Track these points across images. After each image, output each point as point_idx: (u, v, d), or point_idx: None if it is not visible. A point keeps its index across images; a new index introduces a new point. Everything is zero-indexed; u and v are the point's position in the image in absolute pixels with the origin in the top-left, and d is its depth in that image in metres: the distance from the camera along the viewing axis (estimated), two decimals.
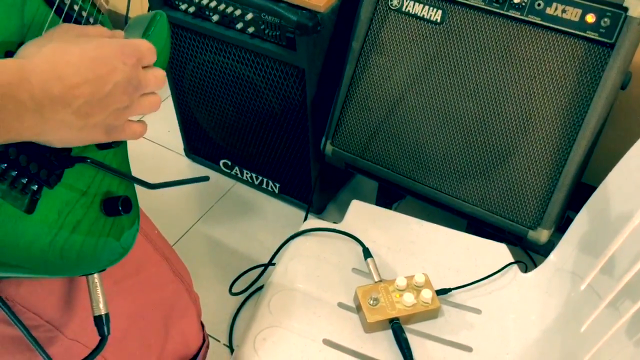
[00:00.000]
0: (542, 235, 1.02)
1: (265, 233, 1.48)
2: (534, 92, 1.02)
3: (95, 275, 0.56)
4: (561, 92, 1.00)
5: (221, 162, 1.57)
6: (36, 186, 0.46)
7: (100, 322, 0.56)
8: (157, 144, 1.73)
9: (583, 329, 0.71)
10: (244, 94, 1.33)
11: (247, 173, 1.54)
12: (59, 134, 0.42)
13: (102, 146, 0.53)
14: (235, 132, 1.45)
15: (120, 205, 0.54)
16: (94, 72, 0.41)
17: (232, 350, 1.26)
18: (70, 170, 0.50)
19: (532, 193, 1.03)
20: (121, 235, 0.56)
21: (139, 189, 0.59)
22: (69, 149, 0.50)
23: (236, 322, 1.31)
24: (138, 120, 0.50)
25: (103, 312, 0.56)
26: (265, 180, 1.52)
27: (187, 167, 1.66)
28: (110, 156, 0.56)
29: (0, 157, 0.43)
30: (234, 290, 1.34)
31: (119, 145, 0.55)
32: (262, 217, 1.52)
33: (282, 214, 1.52)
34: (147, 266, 0.69)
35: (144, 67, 0.46)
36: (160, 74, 0.48)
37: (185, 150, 1.65)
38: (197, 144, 1.59)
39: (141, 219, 0.68)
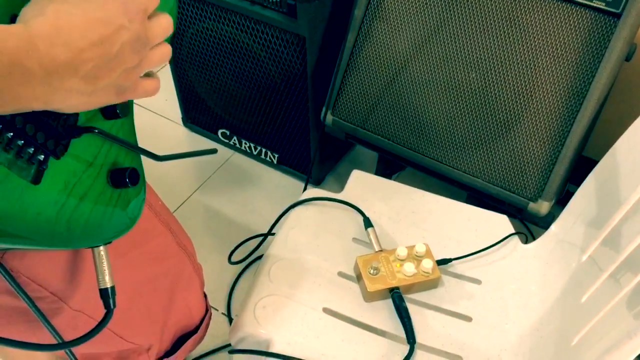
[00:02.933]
0: (543, 207, 1.01)
1: (264, 203, 1.48)
2: (538, 63, 1.01)
3: (101, 247, 0.55)
4: (565, 63, 0.99)
5: (219, 131, 1.55)
6: (43, 156, 0.45)
7: (106, 295, 0.55)
8: (154, 112, 1.72)
9: (583, 300, 0.71)
10: (244, 62, 1.31)
11: (245, 143, 1.53)
12: (68, 101, 0.40)
13: (109, 116, 0.52)
14: (234, 102, 1.44)
15: (127, 177, 0.53)
16: (100, 34, 0.39)
17: (230, 319, 1.27)
18: (77, 141, 0.49)
19: (534, 164, 1.03)
20: (127, 207, 0.55)
21: (143, 159, 0.58)
22: (76, 119, 0.49)
23: (234, 292, 1.31)
24: (150, 77, 0.47)
25: (109, 284, 0.55)
26: (264, 150, 1.51)
27: (185, 137, 1.65)
28: (117, 127, 0.55)
29: (6, 125, 0.42)
30: (233, 259, 1.34)
31: (127, 115, 0.53)
32: (260, 188, 1.52)
33: (281, 185, 1.52)
34: (152, 237, 0.69)
35: (149, 18, 0.44)
36: (166, 20, 0.45)
37: (183, 119, 1.63)
38: (195, 113, 1.58)
39: (147, 191, 0.68)
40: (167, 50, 0.46)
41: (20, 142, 0.43)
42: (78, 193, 0.49)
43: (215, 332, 1.24)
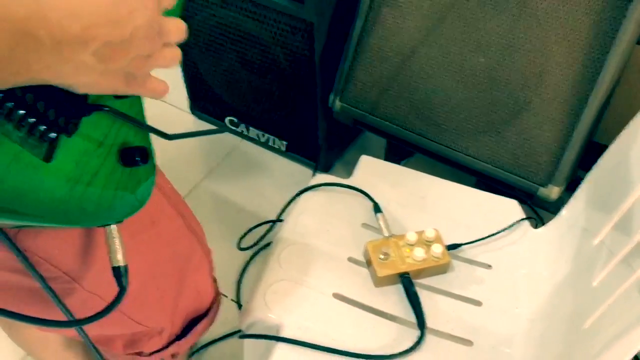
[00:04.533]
0: (553, 192, 1.01)
1: (272, 191, 1.48)
2: (549, 46, 1.00)
3: (113, 226, 0.55)
4: (577, 46, 0.98)
5: (227, 119, 1.55)
6: (54, 134, 0.45)
7: (119, 274, 0.55)
8: (161, 100, 1.72)
9: (595, 284, 0.71)
10: (251, 49, 1.31)
11: (253, 131, 1.53)
12: (79, 77, 0.40)
13: (118, 95, 0.52)
14: (241, 89, 1.43)
15: (137, 156, 0.53)
16: (112, 13, 0.39)
17: (239, 306, 1.27)
18: (87, 120, 0.49)
19: (544, 149, 1.02)
20: (138, 188, 0.55)
21: (154, 143, 0.58)
22: (86, 97, 0.49)
23: (243, 278, 1.32)
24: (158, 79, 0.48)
25: (122, 263, 0.56)
26: (271, 138, 1.51)
27: (192, 125, 1.65)
28: (126, 106, 0.55)
29: (17, 102, 0.42)
30: (242, 245, 1.34)
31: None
32: (268, 175, 1.52)
33: (289, 172, 1.52)
34: (162, 220, 0.69)
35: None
36: (181, 23, 0.46)
37: (190, 107, 1.63)
38: (202, 100, 1.58)
39: (156, 173, 0.68)
40: (178, 52, 0.47)
41: (32, 120, 0.43)
42: (89, 172, 0.49)
43: (225, 318, 1.24)
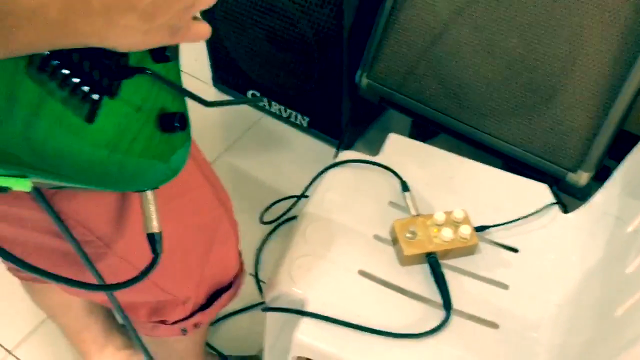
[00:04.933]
0: (582, 177, 0.99)
1: (292, 167, 1.47)
2: (585, 28, 0.97)
3: (149, 192, 0.55)
4: (614, 30, 0.96)
5: (249, 93, 1.54)
6: (97, 95, 0.45)
7: (154, 240, 0.55)
8: (184, 72, 1.70)
9: (628, 271, 0.70)
10: (277, 22, 1.29)
11: (275, 105, 1.51)
12: (124, 38, 0.40)
13: (158, 59, 0.51)
14: (265, 63, 1.42)
15: (176, 121, 0.52)
16: None
17: (257, 281, 1.28)
18: (127, 83, 0.49)
19: (575, 134, 1.01)
20: (174, 155, 0.54)
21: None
22: (127, 60, 0.48)
23: (262, 253, 1.32)
24: (200, 21, 0.47)
25: (157, 230, 0.55)
26: (294, 113, 1.50)
27: (214, 97, 1.63)
28: (165, 71, 0.54)
29: (63, 62, 0.42)
30: (265, 220, 1.34)
31: (175, 59, 0.53)
32: (290, 151, 1.51)
33: (310, 148, 1.51)
34: (193, 189, 0.68)
35: None
36: None
37: (213, 79, 1.62)
38: (225, 73, 1.56)
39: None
40: None
41: (76, 80, 0.43)
42: (128, 136, 0.49)
43: (243, 293, 1.24)
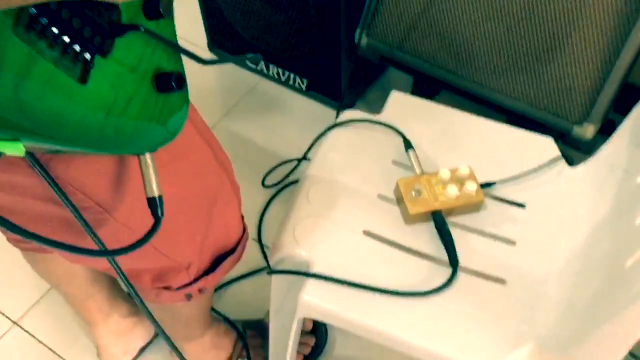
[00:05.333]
0: (588, 130, 0.98)
1: (293, 130, 1.45)
2: None
3: (147, 155, 0.54)
4: None
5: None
6: (89, 55, 0.43)
7: (154, 204, 0.54)
8: (179, 37, 1.67)
9: (638, 222, 0.68)
10: None
11: (273, 68, 1.49)
12: None
13: (151, 16, 0.49)
14: (261, 25, 1.38)
15: (173, 80, 0.51)
16: None
17: (261, 245, 1.27)
18: (121, 42, 0.47)
19: (580, 87, 0.98)
20: (171, 116, 0.53)
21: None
22: (119, 17, 0.46)
23: (264, 218, 1.31)
24: None
25: (157, 193, 0.54)
26: (292, 76, 1.47)
27: None
28: (159, 29, 0.52)
29: (52, 19, 0.40)
30: (266, 183, 1.33)
31: (169, 16, 0.51)
32: (289, 114, 1.49)
33: (310, 111, 1.49)
34: (192, 152, 0.67)
35: None
36: None
37: (208, 44, 1.59)
38: (220, 37, 1.53)
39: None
40: None
41: (66, 39, 0.41)
42: (124, 97, 0.47)
43: (246, 257, 1.24)
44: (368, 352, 1.13)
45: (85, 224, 0.51)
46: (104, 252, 0.52)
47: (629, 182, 0.75)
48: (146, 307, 0.61)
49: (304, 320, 1.09)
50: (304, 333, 1.09)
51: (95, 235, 0.52)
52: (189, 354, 1.00)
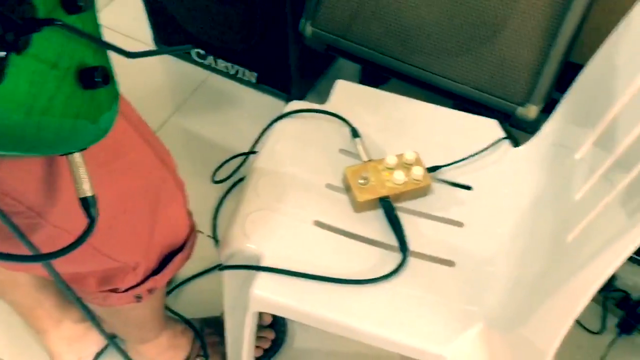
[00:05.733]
0: (531, 111, 0.99)
1: (244, 124, 1.44)
2: None
3: (76, 154, 0.52)
4: None
5: (193, 52, 1.48)
6: (3, 52, 0.41)
7: (87, 204, 0.52)
8: (122, 34, 1.63)
9: (577, 197, 0.70)
10: None
11: (222, 63, 1.47)
12: None
13: (70, 10, 0.47)
14: (206, 18, 1.36)
15: (97, 76, 0.49)
16: None
17: (216, 242, 1.26)
18: (39, 38, 0.45)
19: (522, 68, 1.00)
20: (100, 113, 0.51)
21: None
22: (34, 12, 0.44)
23: (219, 214, 1.29)
24: None
25: (89, 193, 0.52)
26: (241, 70, 1.45)
27: (158, 59, 1.57)
28: (80, 23, 0.50)
29: None
30: (216, 179, 1.31)
31: (90, 9, 0.49)
32: (240, 108, 1.47)
33: (261, 104, 1.47)
34: (129, 150, 0.65)
35: None
36: None
37: (154, 40, 1.55)
38: (166, 32, 1.50)
39: (121, 100, 0.63)
40: None
41: None
42: (45, 95, 0.45)
43: (202, 255, 1.22)
44: (329, 344, 1.13)
45: (14, 228, 0.49)
46: (35, 257, 0.50)
47: (568, 159, 0.76)
48: (88, 310, 0.59)
49: (263, 314, 1.08)
50: (263, 327, 1.09)
51: (24, 239, 0.50)
52: (146, 356, 0.98)
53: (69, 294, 0.58)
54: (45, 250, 0.53)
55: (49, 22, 0.45)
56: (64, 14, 0.47)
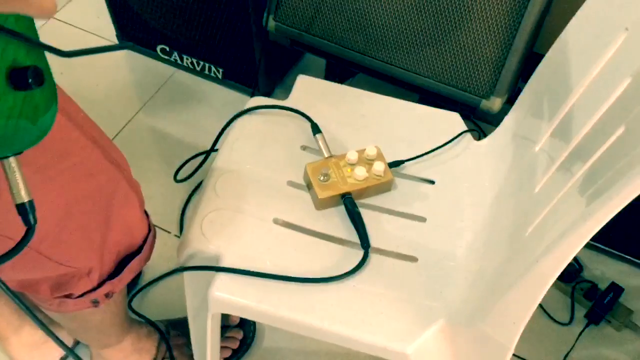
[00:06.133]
0: (496, 103, 0.99)
1: (211, 120, 1.41)
2: None
3: (11, 158, 0.49)
4: None
5: (158, 47, 1.46)
6: None
7: (24, 210, 0.50)
8: (86, 31, 1.60)
9: (537, 190, 0.69)
10: None
11: (187, 59, 1.44)
12: None
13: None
14: (170, 14, 1.34)
15: (29, 76, 0.46)
16: None
17: None
18: None
19: (485, 61, 0.99)
20: (36, 114, 0.49)
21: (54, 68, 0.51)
22: None
23: (186, 213, 1.27)
24: None
25: (25, 199, 0.50)
26: (207, 65, 1.43)
27: (123, 56, 1.54)
28: (11, 21, 0.48)
29: None
30: (179, 177, 1.29)
31: None
32: (206, 105, 1.45)
33: (228, 100, 1.45)
34: (75, 152, 0.63)
35: None
36: None
37: (118, 37, 1.52)
38: (130, 29, 1.47)
39: (64, 100, 0.61)
40: None
41: None
42: None
43: (170, 255, 1.21)
44: (298, 342, 1.12)
45: None
46: None
47: (529, 151, 0.76)
48: (38, 319, 0.57)
49: (229, 314, 1.07)
50: (231, 327, 1.07)
51: None
52: None
53: (17, 303, 0.56)
54: None
55: None
56: None
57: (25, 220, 0.50)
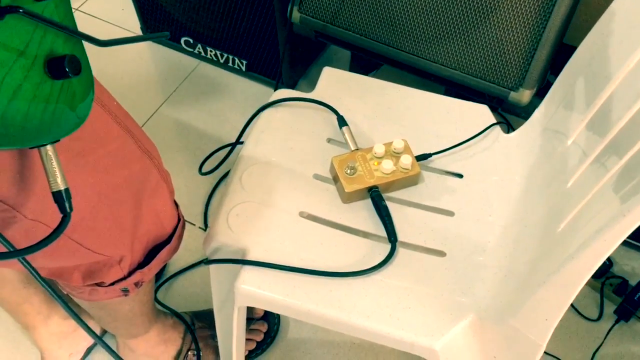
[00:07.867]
0: (524, 95, 0.97)
1: (235, 113, 1.41)
2: None
3: (49, 147, 0.50)
4: None
5: (182, 40, 1.46)
6: None
7: (60, 198, 0.51)
8: (111, 23, 1.60)
9: (569, 185, 0.68)
10: None
11: (211, 51, 1.44)
12: None
13: None
14: (195, 6, 1.34)
15: (66, 65, 0.47)
16: None
17: None
18: (3, 26, 0.43)
19: (514, 52, 0.98)
20: (73, 102, 0.49)
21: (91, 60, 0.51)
22: None
23: (210, 205, 1.28)
24: None
25: (62, 187, 0.51)
26: (231, 57, 1.43)
27: (147, 48, 1.55)
28: (50, 9, 0.48)
29: None
30: (204, 170, 1.29)
31: None
32: (230, 97, 1.45)
33: (251, 93, 1.45)
34: (109, 140, 0.63)
35: None
36: None
37: (142, 29, 1.53)
38: (155, 21, 1.47)
39: (99, 90, 0.61)
40: None
41: None
42: (11, 86, 0.43)
43: (194, 247, 1.21)
44: (322, 334, 1.12)
45: None
46: (8, 253, 0.48)
47: (561, 144, 0.74)
48: (70, 307, 0.58)
49: (254, 307, 1.07)
50: (255, 320, 1.07)
51: (1, 236, 0.49)
52: (137, 351, 0.97)
53: (49, 291, 0.56)
54: (23, 243, 0.52)
55: (12, 10, 0.43)
56: (31, 1, 0.46)
57: (62, 208, 0.50)
